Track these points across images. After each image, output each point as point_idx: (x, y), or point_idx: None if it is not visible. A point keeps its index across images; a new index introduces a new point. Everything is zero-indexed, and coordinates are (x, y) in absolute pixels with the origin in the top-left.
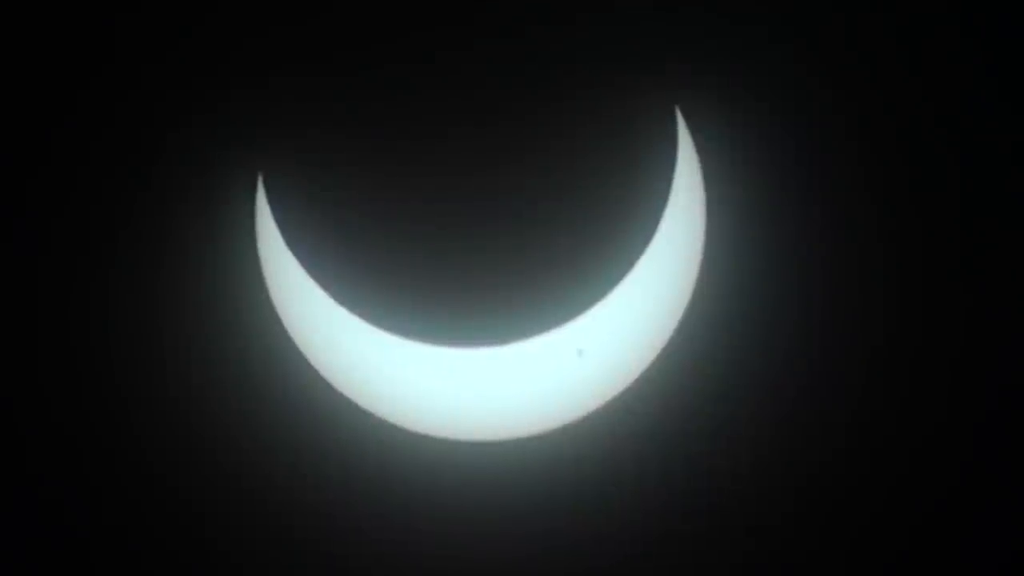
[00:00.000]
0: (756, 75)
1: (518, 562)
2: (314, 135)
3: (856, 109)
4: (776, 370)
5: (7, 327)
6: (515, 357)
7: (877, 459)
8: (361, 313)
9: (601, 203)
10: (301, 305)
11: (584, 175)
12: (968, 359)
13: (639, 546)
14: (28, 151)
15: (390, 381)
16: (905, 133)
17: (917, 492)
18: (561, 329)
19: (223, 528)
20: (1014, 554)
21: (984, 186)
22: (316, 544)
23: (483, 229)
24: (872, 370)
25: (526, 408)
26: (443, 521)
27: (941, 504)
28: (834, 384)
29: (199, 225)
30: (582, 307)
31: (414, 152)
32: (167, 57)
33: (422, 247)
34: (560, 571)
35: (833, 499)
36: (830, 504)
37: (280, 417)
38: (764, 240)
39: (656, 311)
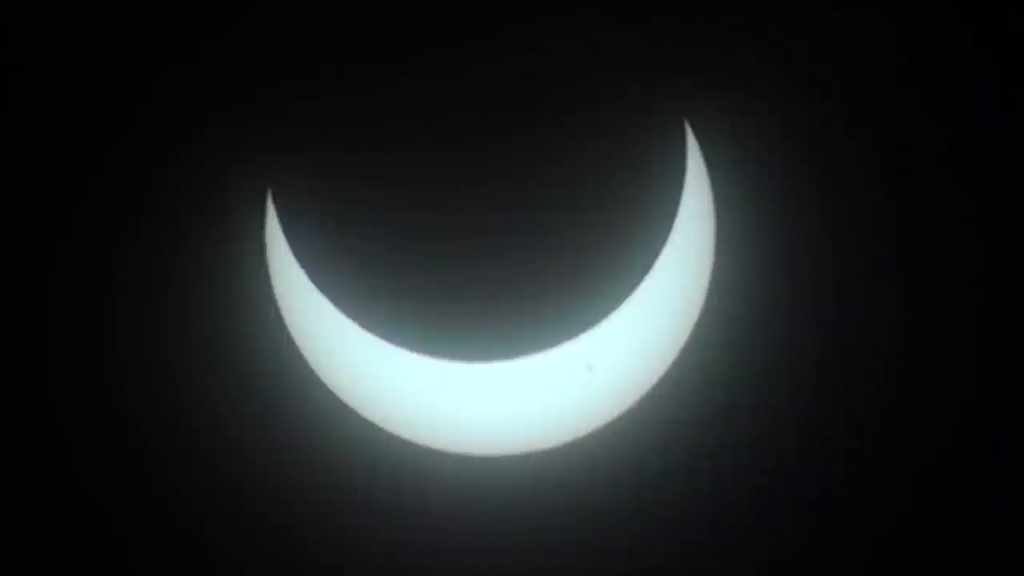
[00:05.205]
0: (765, 87)
1: None
2: (323, 149)
3: (867, 121)
4: (788, 383)
5: (19, 339)
6: (525, 371)
7: (893, 467)
8: (371, 327)
9: (610, 217)
10: (311, 319)
11: (593, 189)
12: (984, 362)
13: (645, 559)
14: (38, 168)
15: (400, 395)
16: (917, 146)
17: (936, 497)
18: (571, 343)
19: (231, 539)
20: None
21: (996, 189)
22: (323, 556)
23: (492, 243)
24: (886, 379)
25: (536, 422)
26: (453, 535)
27: (960, 509)
28: (848, 395)
29: (208, 240)
30: (592, 321)
31: (422, 166)
32: (177, 73)
33: (431, 261)
34: None
35: (849, 508)
36: (846, 513)
37: (289, 431)
38: (774, 252)
39: (666, 324)
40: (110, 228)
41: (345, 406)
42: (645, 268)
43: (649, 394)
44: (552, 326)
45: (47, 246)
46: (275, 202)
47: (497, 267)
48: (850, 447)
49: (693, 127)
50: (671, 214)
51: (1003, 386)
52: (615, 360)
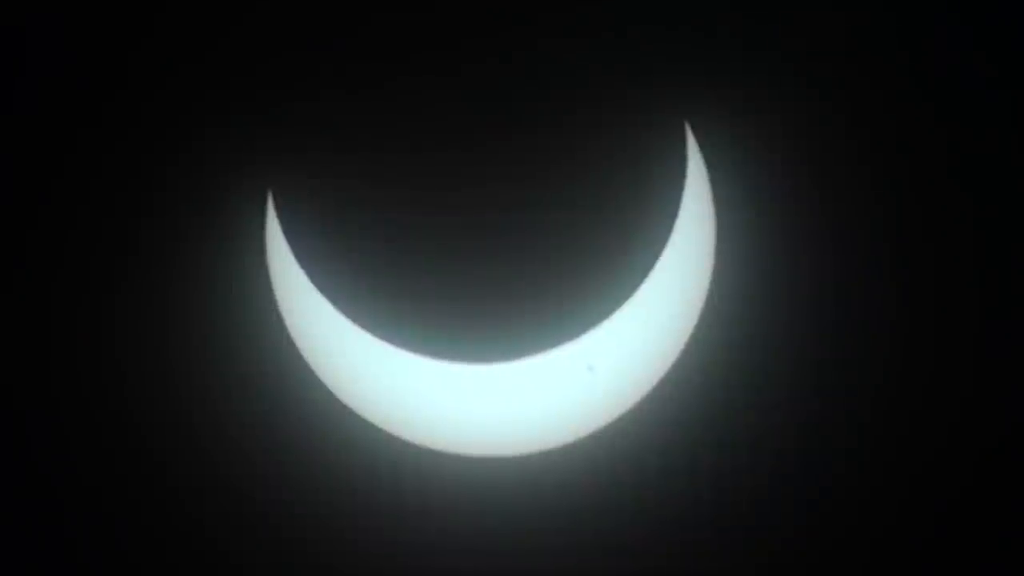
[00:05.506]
0: (765, 87)
1: None
2: (323, 150)
3: (867, 121)
4: (788, 383)
5: (19, 339)
6: (525, 372)
7: (893, 467)
8: (371, 328)
9: (611, 218)
10: (311, 320)
11: (593, 191)
12: (984, 362)
13: (646, 560)
14: (38, 168)
15: (401, 396)
16: (917, 146)
17: (936, 497)
18: (572, 344)
19: (231, 539)
20: None
21: (996, 189)
22: (323, 557)
23: (493, 243)
24: (886, 379)
25: (537, 423)
26: (453, 536)
27: (960, 509)
28: (848, 395)
29: (208, 240)
30: (592, 322)
31: (422, 166)
32: (177, 74)
33: (432, 262)
34: None
35: (849, 508)
36: (846, 513)
37: (289, 432)
38: (774, 252)
39: (667, 325)
40: (110, 228)
41: (345, 407)
42: (646, 269)
43: (650, 395)
44: (553, 327)
45: (47, 246)
46: (275, 202)
47: (497, 268)
48: (850, 447)
49: (693, 128)
50: (672, 215)
51: (1003, 386)
52: (616, 361)
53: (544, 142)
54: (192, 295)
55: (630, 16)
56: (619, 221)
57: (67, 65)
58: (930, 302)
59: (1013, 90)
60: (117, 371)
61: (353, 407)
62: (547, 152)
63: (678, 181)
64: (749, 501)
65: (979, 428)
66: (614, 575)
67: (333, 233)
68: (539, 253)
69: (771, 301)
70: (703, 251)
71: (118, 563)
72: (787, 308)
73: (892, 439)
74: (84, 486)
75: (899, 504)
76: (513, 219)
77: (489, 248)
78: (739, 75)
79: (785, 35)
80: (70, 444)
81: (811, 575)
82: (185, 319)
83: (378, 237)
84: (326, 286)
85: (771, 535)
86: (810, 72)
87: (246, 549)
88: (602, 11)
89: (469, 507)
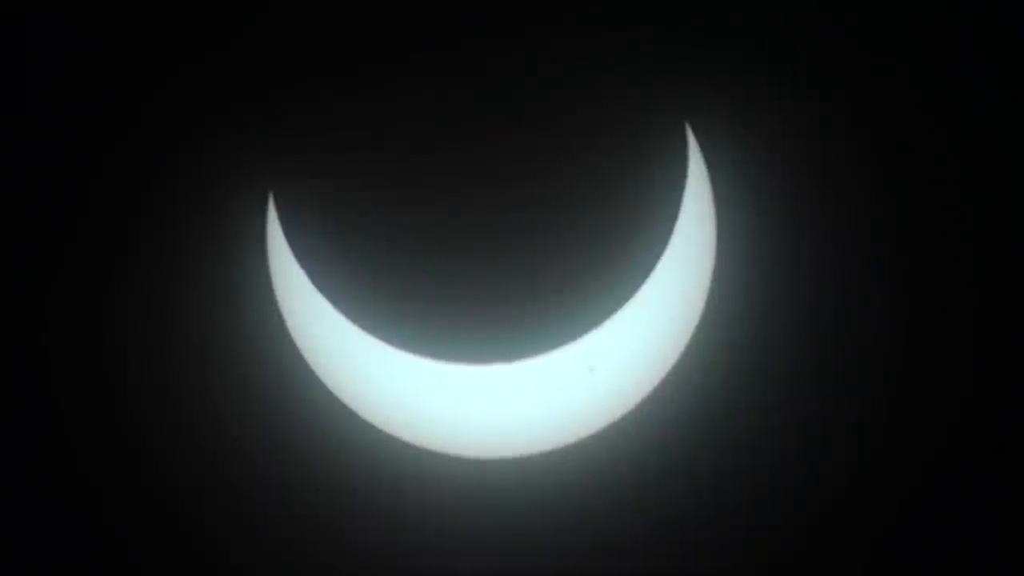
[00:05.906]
0: (765, 87)
1: None
2: (324, 152)
3: (867, 121)
4: (789, 383)
5: (19, 339)
6: (526, 373)
7: (893, 467)
8: (372, 330)
9: (612, 219)
10: (312, 323)
11: (594, 192)
12: (984, 362)
13: (646, 560)
14: (39, 168)
15: (401, 398)
16: (917, 146)
17: (936, 497)
18: (573, 345)
19: (231, 539)
20: None
21: (996, 189)
22: (323, 557)
23: (493, 244)
24: (886, 379)
25: (537, 424)
26: (454, 538)
27: (960, 509)
28: (848, 395)
29: (209, 241)
30: (593, 323)
31: (423, 167)
32: (178, 74)
33: (432, 263)
34: None
35: (849, 507)
36: (846, 513)
37: (290, 432)
38: (775, 252)
39: (668, 326)
40: (110, 228)
41: (345, 407)
42: (647, 270)
43: (651, 395)
44: (554, 328)
45: (48, 246)
46: (276, 204)
47: (498, 269)
48: (850, 447)
49: (694, 129)
50: (672, 216)
51: (1003, 386)
52: (617, 362)
53: (544, 142)
54: (193, 295)
55: (630, 16)
56: (620, 221)
57: (67, 65)
58: (930, 302)
59: (1013, 90)
60: (117, 371)
61: (353, 407)
62: (547, 152)
63: (678, 181)
64: (749, 501)
65: (979, 428)
66: (613, 575)
67: (333, 233)
68: (539, 253)
69: (771, 301)
70: (704, 251)
71: (118, 563)
72: (787, 308)
73: (892, 439)
74: (84, 486)
75: (899, 504)
76: (513, 219)
77: (489, 248)
78: (739, 75)
79: (785, 35)
80: (70, 444)
81: (811, 575)
82: (185, 319)
83: (378, 237)
84: (326, 286)
85: (771, 535)
86: (810, 72)
87: (246, 549)
88: (602, 11)
89: (469, 508)
